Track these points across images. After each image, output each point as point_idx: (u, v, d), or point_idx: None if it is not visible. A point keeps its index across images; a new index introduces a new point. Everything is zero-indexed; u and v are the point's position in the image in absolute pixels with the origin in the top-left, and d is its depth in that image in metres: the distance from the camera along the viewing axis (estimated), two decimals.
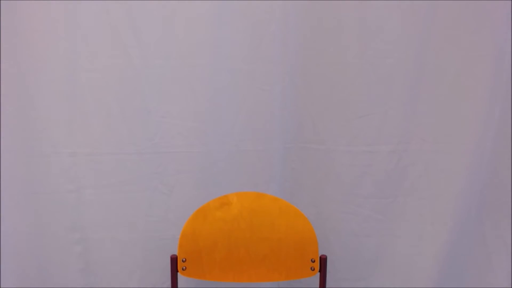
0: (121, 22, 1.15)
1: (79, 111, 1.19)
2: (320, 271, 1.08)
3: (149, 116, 1.20)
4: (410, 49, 1.15)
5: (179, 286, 1.09)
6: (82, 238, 1.24)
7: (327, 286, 1.27)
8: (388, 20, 1.14)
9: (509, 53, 1.12)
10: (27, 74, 1.16)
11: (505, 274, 1.21)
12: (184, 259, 1.08)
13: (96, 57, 1.16)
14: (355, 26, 1.16)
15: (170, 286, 1.10)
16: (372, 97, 1.19)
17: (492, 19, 1.11)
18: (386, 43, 1.16)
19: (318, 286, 1.10)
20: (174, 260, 1.08)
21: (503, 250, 1.21)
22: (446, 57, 1.15)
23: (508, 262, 1.21)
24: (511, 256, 1.21)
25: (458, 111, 1.17)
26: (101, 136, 1.20)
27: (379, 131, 1.20)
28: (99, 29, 1.15)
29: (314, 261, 1.07)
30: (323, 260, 1.07)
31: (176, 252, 1.08)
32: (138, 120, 1.20)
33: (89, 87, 1.18)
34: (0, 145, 1.19)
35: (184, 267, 1.08)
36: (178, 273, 1.09)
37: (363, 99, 1.19)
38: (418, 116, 1.19)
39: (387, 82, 1.18)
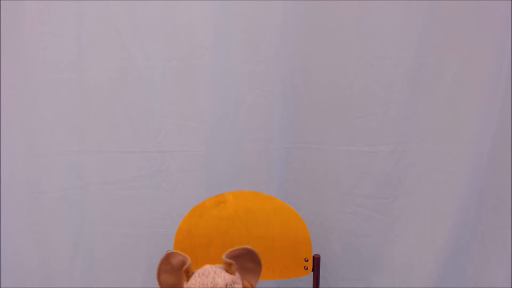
0: (125, 23, 1.16)
1: (84, 111, 1.21)
2: (313, 270, 1.08)
3: (152, 115, 1.21)
4: (410, 49, 1.15)
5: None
6: (88, 234, 1.26)
7: (327, 286, 1.28)
8: (388, 20, 1.14)
9: (509, 53, 1.12)
10: (29, 74, 1.18)
11: (505, 274, 1.21)
12: None
13: (100, 58, 1.18)
14: (355, 26, 1.16)
15: None
16: (372, 97, 1.19)
17: (492, 19, 1.11)
18: (386, 43, 1.15)
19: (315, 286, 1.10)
20: None
21: (503, 250, 1.21)
22: (446, 57, 1.14)
23: (507, 262, 1.21)
24: (510, 256, 1.20)
25: (458, 111, 1.16)
26: (106, 135, 1.22)
27: (379, 131, 1.20)
28: (103, 30, 1.16)
29: (307, 260, 1.07)
30: (316, 260, 1.07)
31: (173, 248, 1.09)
32: (141, 120, 1.21)
33: (94, 87, 1.19)
34: (2, 146, 1.20)
35: None
36: None
37: (363, 99, 1.19)
38: (418, 116, 1.18)
39: (387, 82, 1.17)
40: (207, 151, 1.22)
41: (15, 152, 1.21)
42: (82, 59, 1.18)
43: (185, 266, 0.85)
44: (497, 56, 1.13)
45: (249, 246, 0.88)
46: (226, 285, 0.83)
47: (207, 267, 0.86)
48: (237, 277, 0.86)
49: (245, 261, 0.88)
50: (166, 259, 0.87)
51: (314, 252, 1.09)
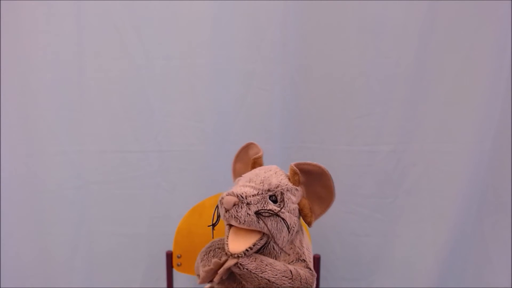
0: (124, 23, 1.17)
1: (84, 111, 1.21)
2: None
3: (152, 115, 1.21)
4: (410, 49, 1.15)
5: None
6: (87, 233, 1.26)
7: (327, 286, 1.28)
8: (388, 19, 1.14)
9: (509, 53, 1.12)
10: (28, 74, 1.18)
11: (505, 274, 1.21)
12: (179, 255, 1.09)
13: (99, 57, 1.18)
14: (355, 26, 1.16)
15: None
16: (372, 97, 1.19)
17: (492, 19, 1.11)
18: (386, 43, 1.15)
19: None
20: (169, 256, 1.09)
21: (503, 250, 1.21)
22: (446, 57, 1.14)
23: (508, 262, 1.21)
24: (511, 256, 1.20)
25: (458, 111, 1.16)
26: (106, 135, 1.22)
27: (379, 131, 1.20)
28: (103, 29, 1.17)
29: None
30: (316, 260, 1.07)
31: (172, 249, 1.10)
32: (141, 119, 1.21)
33: (94, 87, 1.20)
34: (2, 146, 1.20)
35: (179, 263, 1.09)
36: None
37: (363, 98, 1.19)
38: (418, 116, 1.18)
39: (387, 82, 1.17)
40: (207, 150, 1.22)
41: (15, 152, 1.21)
42: (81, 59, 1.18)
43: (255, 156, 0.77)
44: (497, 56, 1.13)
45: (324, 167, 0.71)
46: (278, 186, 0.70)
47: (274, 166, 0.75)
48: (296, 189, 0.72)
49: (316, 184, 0.73)
50: (246, 149, 0.82)
51: (314, 252, 1.08)
